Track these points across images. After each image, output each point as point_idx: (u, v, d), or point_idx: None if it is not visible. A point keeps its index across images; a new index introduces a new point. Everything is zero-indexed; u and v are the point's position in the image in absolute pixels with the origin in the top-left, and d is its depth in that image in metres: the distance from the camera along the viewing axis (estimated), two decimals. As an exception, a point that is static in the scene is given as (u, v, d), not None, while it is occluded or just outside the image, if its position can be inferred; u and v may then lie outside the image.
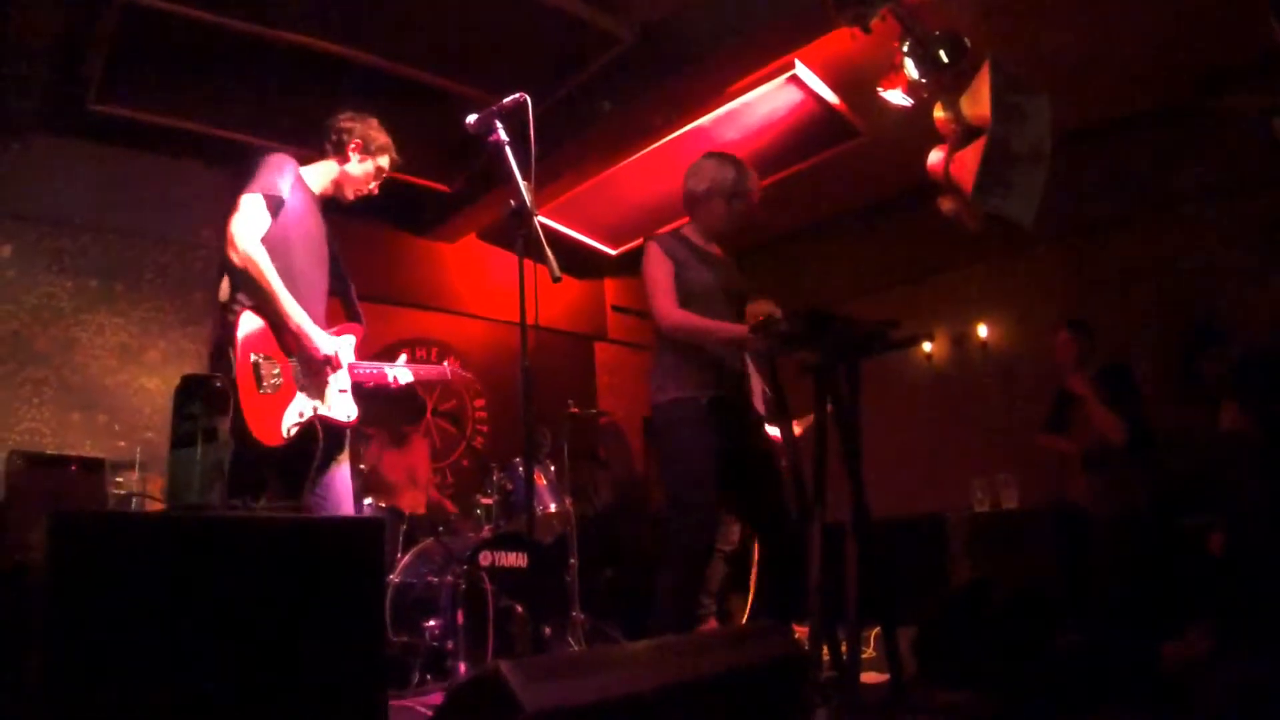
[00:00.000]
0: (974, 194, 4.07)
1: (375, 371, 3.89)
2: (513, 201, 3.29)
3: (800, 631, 3.75)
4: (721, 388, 3.97)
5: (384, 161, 3.97)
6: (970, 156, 4.13)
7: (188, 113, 6.15)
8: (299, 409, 3.41)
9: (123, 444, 6.10)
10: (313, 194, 3.83)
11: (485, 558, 4.99)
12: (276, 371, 3.35)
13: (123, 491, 5.29)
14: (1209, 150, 6.70)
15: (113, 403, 6.23)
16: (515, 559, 5.12)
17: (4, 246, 5.99)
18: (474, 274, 8.57)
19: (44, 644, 1.96)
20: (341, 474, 3.69)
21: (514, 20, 5.50)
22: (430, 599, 4.90)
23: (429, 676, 4.73)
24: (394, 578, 5.08)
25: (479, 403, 8.44)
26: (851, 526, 3.45)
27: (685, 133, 6.71)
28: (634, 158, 7.01)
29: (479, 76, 5.89)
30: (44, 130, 6.18)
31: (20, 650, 2.95)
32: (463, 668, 4.56)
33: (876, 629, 4.55)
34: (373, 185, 3.99)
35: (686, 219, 4.34)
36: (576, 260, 8.83)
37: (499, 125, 3.38)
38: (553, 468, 6.12)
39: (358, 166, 3.90)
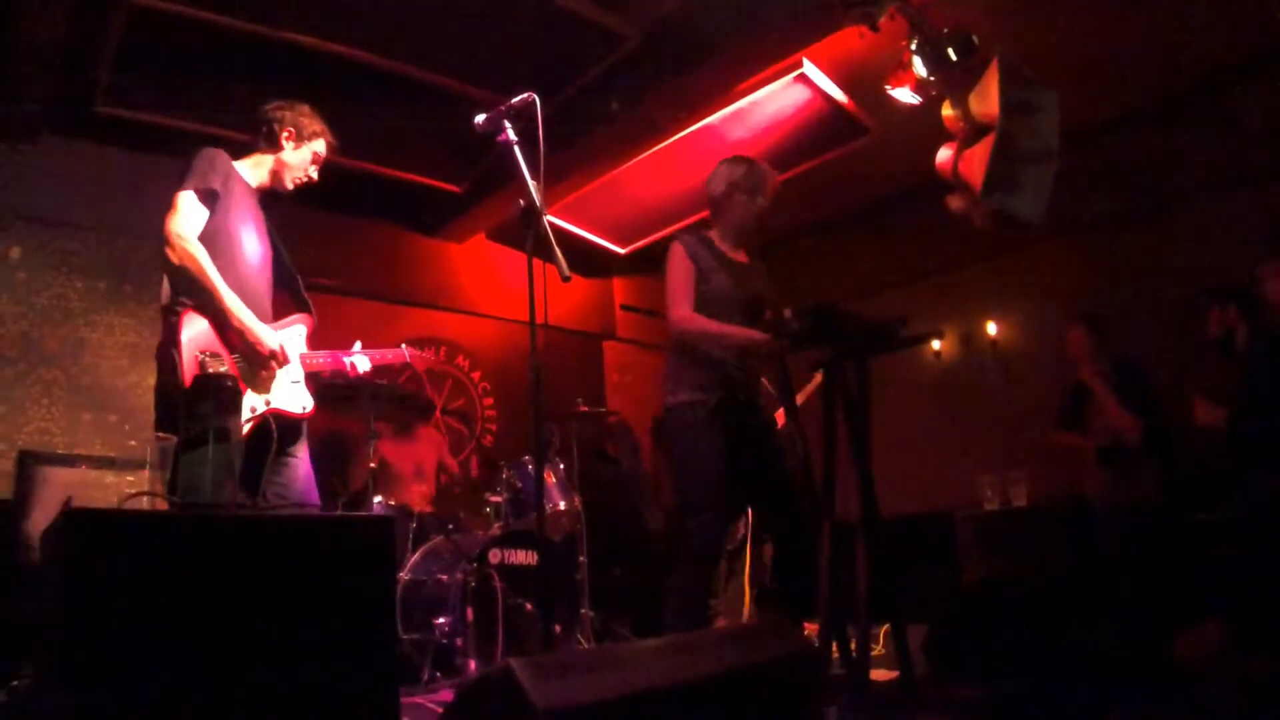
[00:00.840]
0: (983, 192, 4.07)
1: (329, 360, 3.88)
2: (522, 201, 3.29)
3: (810, 629, 3.75)
4: (729, 391, 4.00)
5: (319, 147, 3.92)
6: (979, 154, 4.13)
7: (194, 114, 6.15)
8: (249, 405, 3.40)
9: (133, 443, 6.11)
10: (249, 187, 3.82)
11: (495, 555, 5.00)
12: (223, 370, 3.34)
13: (134, 491, 5.31)
14: (1214, 146, 6.68)
15: (123, 403, 6.24)
16: (525, 557, 5.14)
17: (13, 248, 6.01)
18: (483, 274, 8.57)
19: (59, 642, 1.97)
20: (301, 466, 3.69)
21: (521, 20, 5.50)
22: (440, 596, 4.91)
23: (439, 674, 4.74)
24: (404, 575, 5.10)
25: (488, 401, 8.45)
26: (861, 524, 3.45)
27: (693, 131, 6.70)
28: (642, 156, 7.00)
29: (487, 77, 5.89)
30: (52, 133, 6.19)
31: (34, 647, 2.96)
32: (472, 665, 4.57)
33: (886, 626, 4.55)
34: (311, 172, 3.94)
35: (706, 216, 4.36)
36: (585, 259, 8.83)
37: (507, 125, 3.38)
38: (562, 466, 6.13)
39: (293, 155, 3.86)
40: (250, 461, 3.43)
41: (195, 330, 3.37)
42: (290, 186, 3.92)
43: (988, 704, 3.63)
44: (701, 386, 3.97)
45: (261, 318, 3.60)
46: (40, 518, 4.79)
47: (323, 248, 7.32)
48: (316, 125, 3.90)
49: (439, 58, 5.83)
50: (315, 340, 3.90)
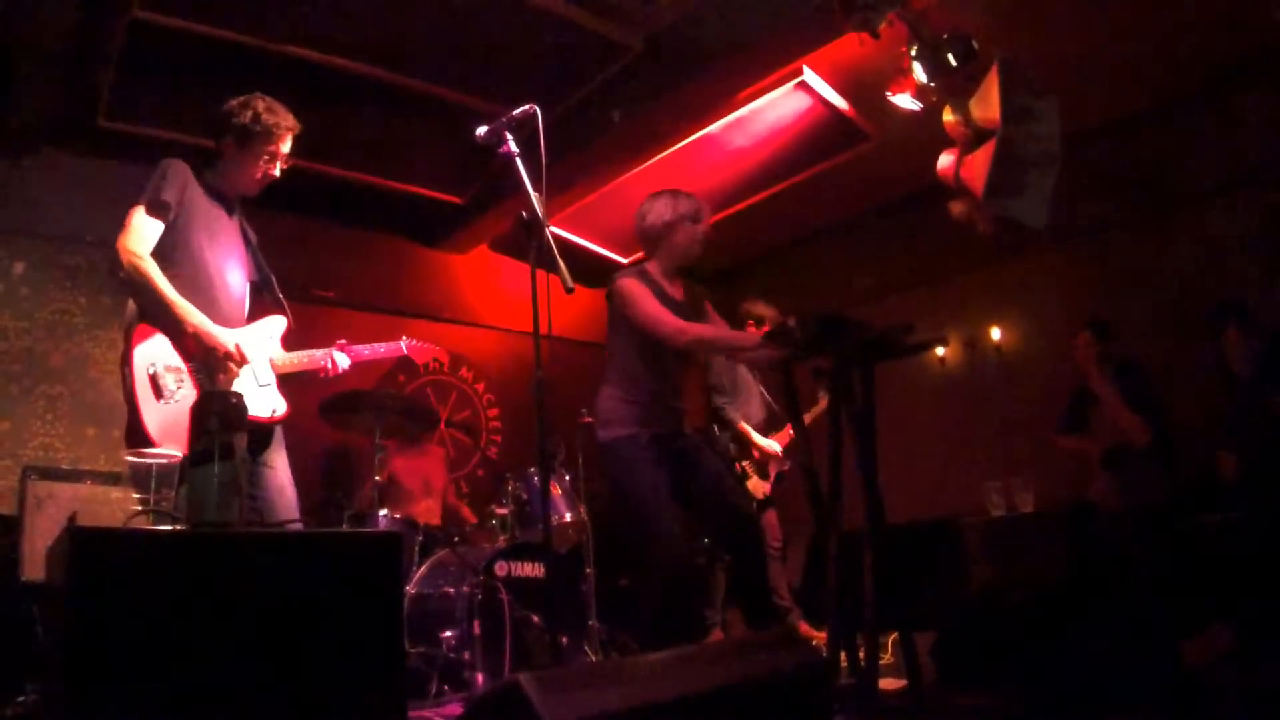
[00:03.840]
0: (985, 197, 4.07)
1: (304, 360, 3.86)
2: (524, 212, 3.30)
3: (818, 638, 3.75)
4: (660, 424, 4.13)
5: (271, 144, 3.83)
6: (981, 159, 4.13)
7: (196, 128, 6.16)
8: None
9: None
10: (217, 191, 3.81)
11: (501, 568, 4.99)
12: (180, 379, 3.33)
13: (139, 508, 5.30)
14: (1216, 149, 6.68)
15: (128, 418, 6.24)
16: (531, 569, 5.12)
17: (17, 264, 6.01)
18: (486, 285, 8.58)
19: (65, 660, 1.97)
20: (278, 476, 3.66)
21: (521, 31, 5.50)
22: (447, 610, 4.89)
23: (446, 687, 4.73)
24: (410, 589, 5.08)
25: (493, 413, 8.45)
26: (867, 532, 3.44)
27: (695, 140, 6.71)
28: (644, 166, 7.00)
29: (488, 88, 5.89)
30: (54, 148, 6.20)
31: (39, 663, 2.95)
32: (480, 678, 4.55)
33: (894, 635, 4.54)
34: (271, 169, 3.87)
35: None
36: (588, 269, 8.82)
37: (509, 136, 3.39)
38: (567, 477, 6.12)
39: (239, 156, 3.82)
40: None
41: (147, 344, 3.37)
42: (246, 190, 3.89)
43: (996, 711, 3.62)
44: (632, 420, 4.10)
45: (229, 321, 3.61)
46: (44, 533, 4.78)
47: (325, 260, 7.33)
48: (271, 119, 3.81)
49: (440, 70, 5.84)
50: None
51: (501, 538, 5.67)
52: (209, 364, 3.46)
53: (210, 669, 2.09)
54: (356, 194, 6.90)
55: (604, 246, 8.57)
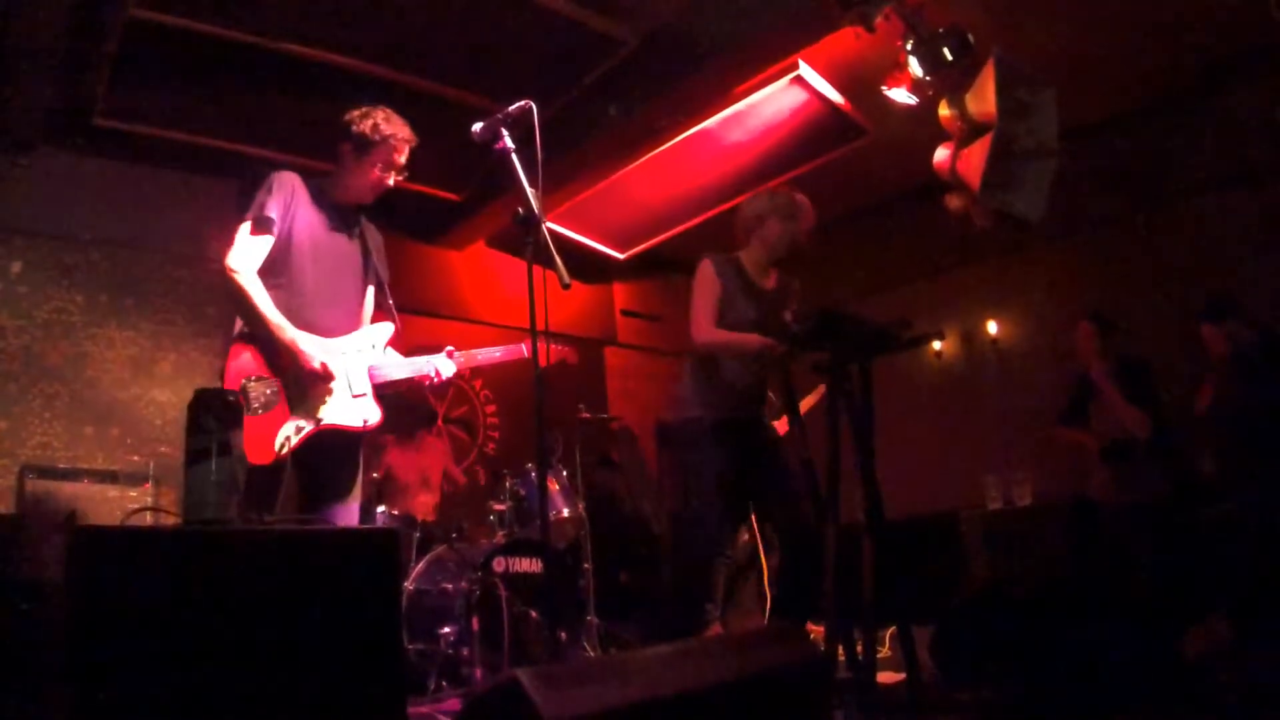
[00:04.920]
0: (981, 191, 4.07)
1: (404, 370, 3.87)
2: (520, 208, 3.29)
3: (816, 632, 3.75)
4: (733, 409, 4.15)
5: (386, 154, 3.84)
6: (977, 153, 4.13)
7: (193, 126, 6.16)
8: (295, 424, 3.43)
9: (136, 458, 6.11)
10: (328, 201, 3.82)
11: (499, 564, 4.99)
12: (270, 392, 3.37)
13: (137, 506, 5.30)
14: (1212, 144, 6.68)
15: (125, 416, 6.25)
16: (529, 564, 5.13)
17: (14, 263, 6.01)
18: (483, 281, 8.57)
19: (66, 659, 1.97)
20: (348, 517, 3.68)
21: (517, 27, 5.50)
22: (445, 606, 4.90)
23: (445, 683, 4.73)
24: (409, 585, 5.08)
25: (490, 409, 8.45)
26: (865, 526, 3.44)
27: (691, 135, 6.70)
28: (640, 161, 6.99)
29: (484, 84, 5.89)
30: (51, 147, 6.19)
31: (38, 661, 2.96)
32: (479, 674, 4.56)
33: (892, 629, 4.54)
34: (386, 178, 3.88)
35: (709, 217, 4.49)
36: (585, 265, 8.82)
37: (505, 132, 3.39)
38: (565, 473, 6.12)
39: (354, 165, 3.83)
40: (310, 477, 3.55)
41: (240, 359, 3.45)
42: (361, 199, 3.91)
43: (995, 705, 3.62)
44: (702, 404, 4.15)
45: (334, 331, 3.67)
46: (43, 532, 4.79)
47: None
48: (389, 129, 3.81)
49: (436, 66, 5.84)
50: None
51: (500, 534, 5.67)
52: (299, 379, 3.50)
53: (209, 666, 2.10)
54: (366, 200, 6.89)
55: (601, 242, 8.57)
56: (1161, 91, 6.73)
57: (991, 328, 8.11)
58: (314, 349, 3.53)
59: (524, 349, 4.27)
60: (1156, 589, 5.08)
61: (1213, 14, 5.76)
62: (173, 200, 6.65)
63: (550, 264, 3.21)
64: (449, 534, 5.63)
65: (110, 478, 5.49)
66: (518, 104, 3.37)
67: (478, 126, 3.43)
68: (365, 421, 3.66)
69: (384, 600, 2.54)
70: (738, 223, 4.50)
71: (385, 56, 5.67)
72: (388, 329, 3.91)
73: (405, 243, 8.13)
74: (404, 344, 4.11)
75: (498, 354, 4.26)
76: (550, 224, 3.34)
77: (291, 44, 5.39)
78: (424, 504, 6.46)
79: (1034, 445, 6.94)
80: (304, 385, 3.51)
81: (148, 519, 5.08)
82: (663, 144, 6.78)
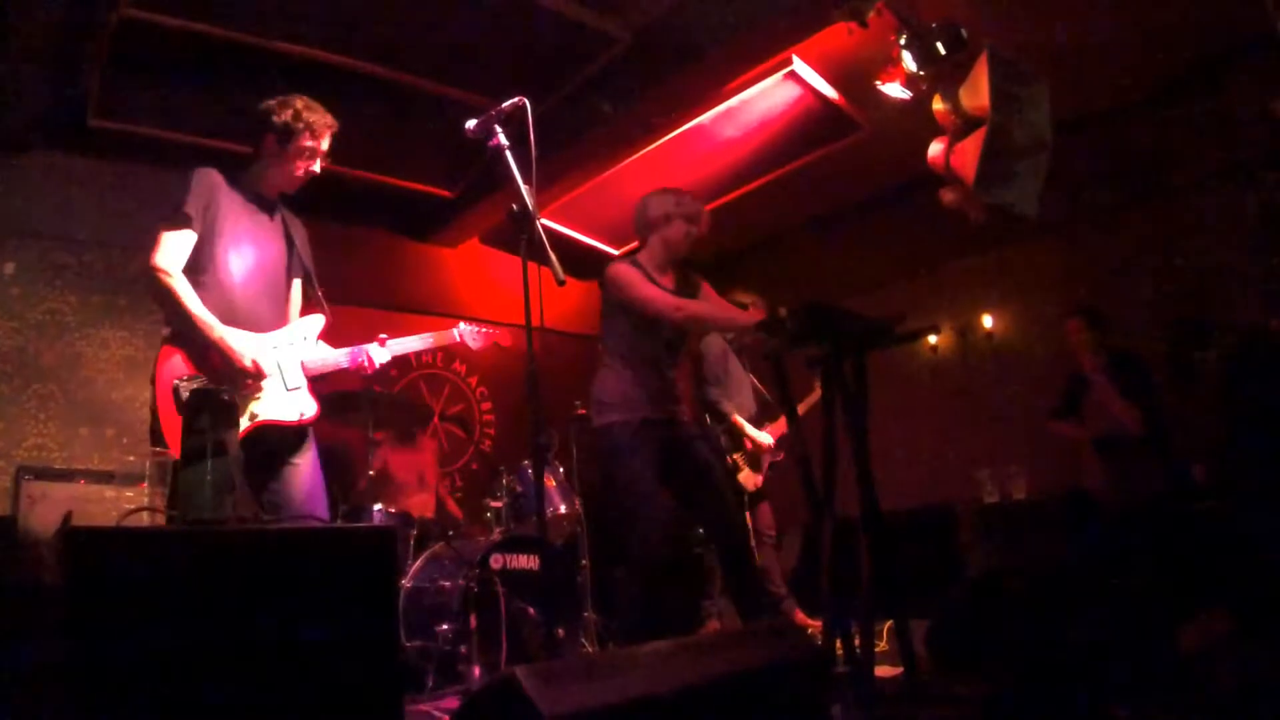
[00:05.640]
0: (976, 185, 4.08)
1: (339, 360, 3.86)
2: (514, 205, 3.30)
3: (814, 626, 3.76)
4: (654, 409, 4.15)
5: (310, 140, 3.82)
6: (971, 147, 4.14)
7: (186, 125, 6.14)
8: None
9: (131, 458, 6.10)
10: (253, 194, 3.83)
11: (496, 561, 4.99)
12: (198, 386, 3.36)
13: (132, 506, 5.29)
14: (1208, 137, 6.68)
15: (120, 416, 6.23)
16: (526, 561, 5.12)
17: (7, 264, 5.99)
18: (478, 278, 8.56)
19: (62, 660, 1.97)
20: (302, 473, 3.68)
21: (510, 24, 5.49)
22: (442, 603, 4.90)
23: (443, 681, 4.73)
24: (406, 583, 5.09)
25: (486, 406, 8.45)
26: (861, 520, 3.45)
27: (685, 131, 6.70)
28: (634, 157, 6.99)
29: (477, 81, 5.88)
30: (44, 147, 6.18)
31: (33, 663, 2.95)
32: (476, 672, 4.56)
33: (889, 622, 4.55)
34: (312, 165, 3.88)
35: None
36: (580, 261, 8.81)
37: (498, 129, 3.40)
38: (561, 469, 6.12)
39: (279, 154, 3.82)
40: (246, 472, 3.46)
41: (170, 361, 3.47)
42: (286, 187, 3.91)
43: (992, 699, 3.63)
44: (626, 406, 4.12)
45: (261, 325, 3.65)
46: (39, 533, 4.78)
47: (315, 254, 7.30)
48: (311, 116, 3.81)
49: (429, 63, 5.83)
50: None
51: (496, 531, 5.67)
52: (231, 377, 3.47)
53: (205, 665, 2.09)
54: (346, 188, 6.88)
55: (595, 238, 8.57)
56: (1158, 86, 6.73)
57: (987, 322, 8.12)
58: (244, 346, 3.53)
59: (455, 334, 4.40)
60: (1153, 582, 5.09)
61: (1209, 8, 5.75)
62: (166, 200, 6.62)
63: (545, 261, 3.21)
64: (445, 532, 5.63)
65: (106, 478, 5.48)
66: (511, 100, 3.38)
67: (471, 123, 3.44)
68: (301, 415, 3.66)
69: (380, 598, 2.54)
70: (639, 220, 4.49)
71: (378, 54, 5.66)
72: (318, 321, 3.91)
73: (398, 240, 8.14)
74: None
75: (431, 340, 4.26)
76: (545, 220, 3.35)
77: (285, 42, 5.37)
78: (421, 503, 6.46)
79: (1030, 439, 6.95)
80: (236, 384, 3.48)
81: (144, 519, 5.07)
82: (657, 140, 6.78)
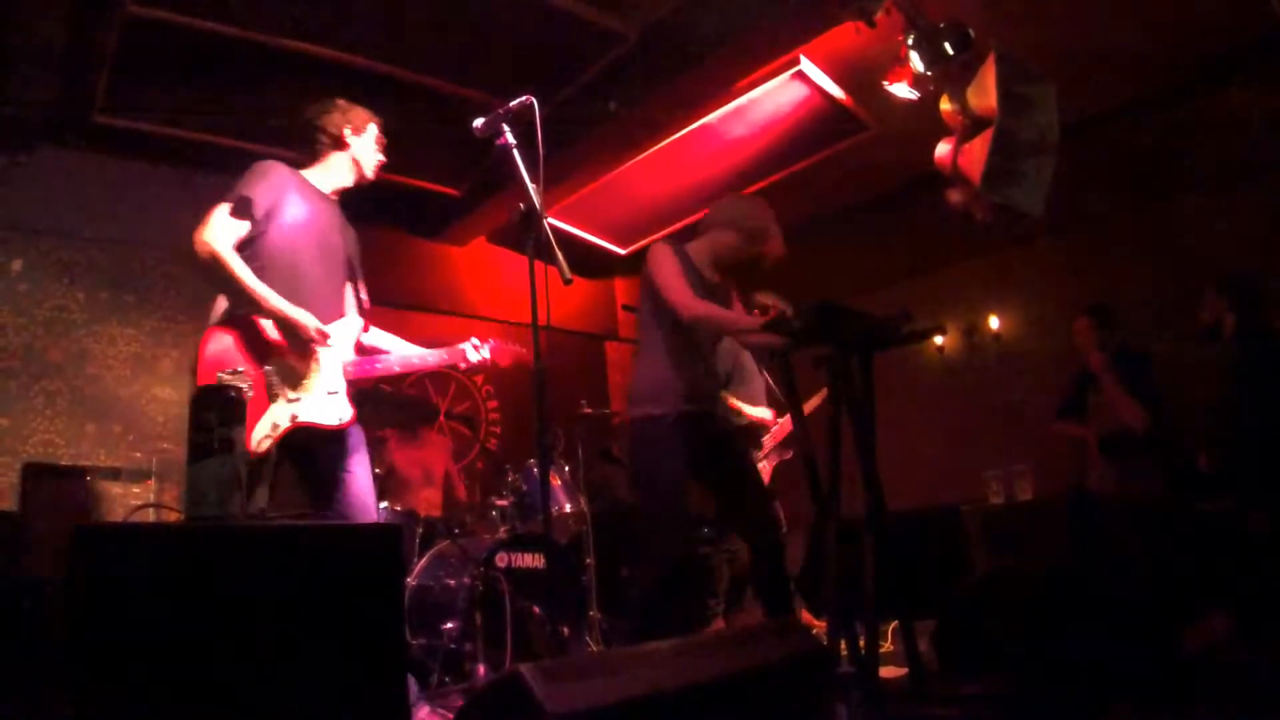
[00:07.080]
0: (983, 185, 4.07)
1: (382, 366, 3.85)
2: (521, 204, 3.29)
3: (818, 626, 3.76)
4: (693, 404, 4.03)
5: (375, 129, 3.97)
6: (978, 148, 4.13)
7: (193, 123, 6.16)
8: (272, 420, 3.37)
9: (138, 454, 6.12)
10: (318, 192, 3.82)
11: (502, 559, 4.99)
12: (245, 385, 3.33)
13: (139, 502, 5.31)
14: (1215, 138, 6.67)
15: (126, 413, 6.25)
16: (532, 560, 5.12)
17: (15, 261, 6.01)
18: (485, 277, 8.58)
19: (68, 656, 1.97)
20: (357, 482, 3.61)
21: (518, 22, 5.50)
22: (448, 601, 4.90)
23: (447, 679, 4.73)
24: (411, 580, 5.09)
25: (492, 405, 8.46)
26: (867, 521, 3.44)
27: (692, 130, 6.71)
28: (641, 156, 7.00)
29: (484, 80, 5.89)
30: (51, 144, 6.20)
31: (39, 658, 2.96)
32: (481, 670, 4.56)
33: (894, 623, 4.54)
34: (380, 154, 3.99)
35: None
36: (586, 260, 8.84)
37: (506, 128, 3.39)
38: (567, 468, 6.12)
39: (360, 143, 3.90)
40: (301, 476, 3.52)
41: (216, 347, 3.37)
42: (371, 174, 3.99)
43: (997, 699, 3.62)
44: (664, 400, 3.99)
45: (324, 317, 3.59)
46: (45, 530, 4.79)
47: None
48: (362, 111, 3.93)
49: (437, 62, 5.84)
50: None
51: (502, 529, 5.67)
52: (293, 345, 3.46)
53: (211, 662, 2.10)
54: (353, 186, 6.89)
55: (602, 237, 8.58)
56: (1164, 86, 6.72)
57: (993, 322, 8.11)
58: (308, 315, 3.49)
59: (460, 352, 4.26)
60: (1156, 583, 5.08)
61: (1214, 8, 5.75)
62: (173, 197, 6.63)
63: (552, 259, 3.21)
64: (451, 530, 5.63)
65: (113, 475, 5.50)
66: (519, 99, 3.37)
67: (479, 122, 3.44)
68: (340, 419, 3.58)
69: (386, 596, 2.54)
70: (710, 212, 4.35)
71: (386, 52, 5.67)
72: (359, 325, 3.88)
73: (406, 238, 8.15)
74: (407, 340, 4.12)
75: (446, 355, 4.20)
76: (551, 219, 3.34)
77: (291, 40, 5.39)
78: (427, 500, 6.46)
79: (1035, 440, 6.94)
80: (286, 374, 3.45)
81: (150, 516, 5.09)
82: (664, 139, 6.79)
